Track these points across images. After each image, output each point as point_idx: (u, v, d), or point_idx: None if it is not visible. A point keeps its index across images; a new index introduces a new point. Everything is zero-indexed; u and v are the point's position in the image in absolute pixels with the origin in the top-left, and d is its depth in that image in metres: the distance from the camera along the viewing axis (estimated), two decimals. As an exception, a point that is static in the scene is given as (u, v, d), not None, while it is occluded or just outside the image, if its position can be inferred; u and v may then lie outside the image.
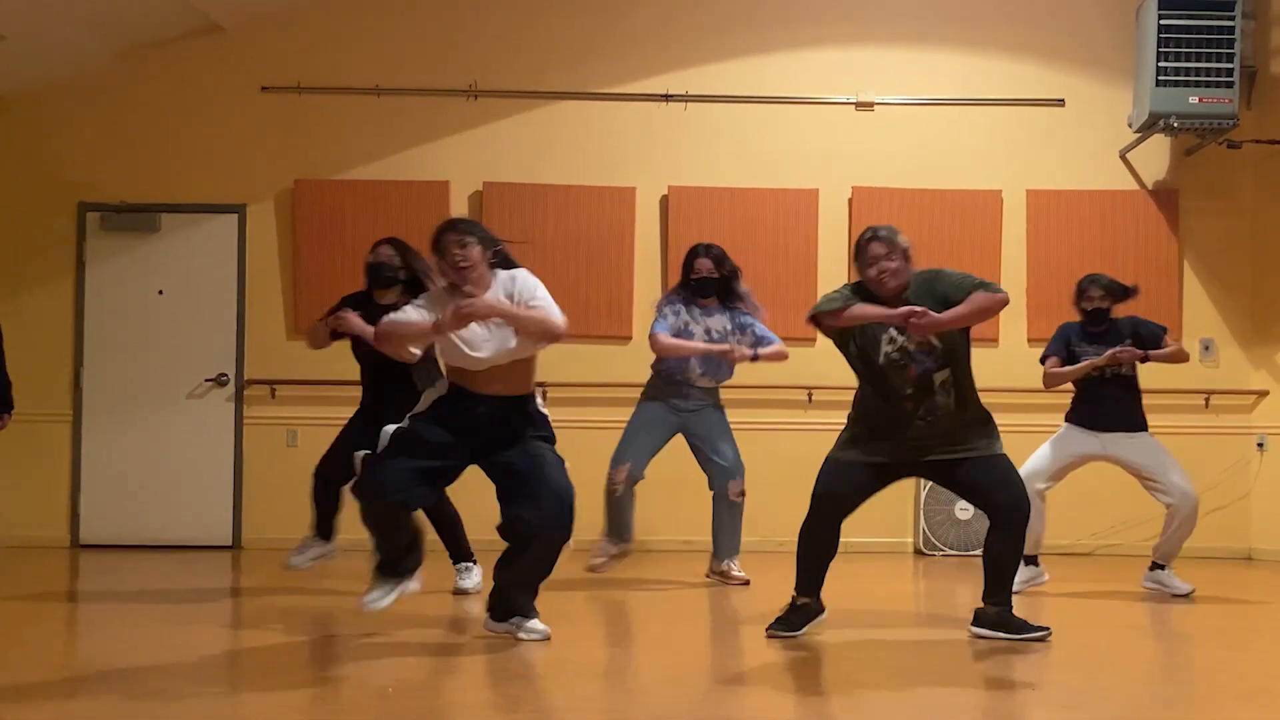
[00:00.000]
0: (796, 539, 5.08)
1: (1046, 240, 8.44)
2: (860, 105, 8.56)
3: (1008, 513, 4.95)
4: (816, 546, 5.02)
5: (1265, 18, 8.32)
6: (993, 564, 5.03)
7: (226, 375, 8.39)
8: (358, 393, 6.05)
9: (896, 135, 8.52)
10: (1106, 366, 6.18)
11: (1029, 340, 8.25)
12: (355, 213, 8.32)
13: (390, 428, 4.71)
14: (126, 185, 8.39)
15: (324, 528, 6.03)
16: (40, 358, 8.05)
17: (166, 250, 8.41)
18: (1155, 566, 6.37)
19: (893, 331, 4.86)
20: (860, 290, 4.93)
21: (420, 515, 5.03)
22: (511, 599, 4.83)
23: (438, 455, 4.67)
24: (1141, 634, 5.62)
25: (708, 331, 6.45)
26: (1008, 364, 7.99)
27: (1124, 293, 6.28)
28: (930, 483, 7.00)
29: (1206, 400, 8.39)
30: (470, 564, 6.13)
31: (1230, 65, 7.76)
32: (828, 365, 6.69)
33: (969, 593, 6.28)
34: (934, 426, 4.89)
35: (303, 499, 6.02)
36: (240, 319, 8.40)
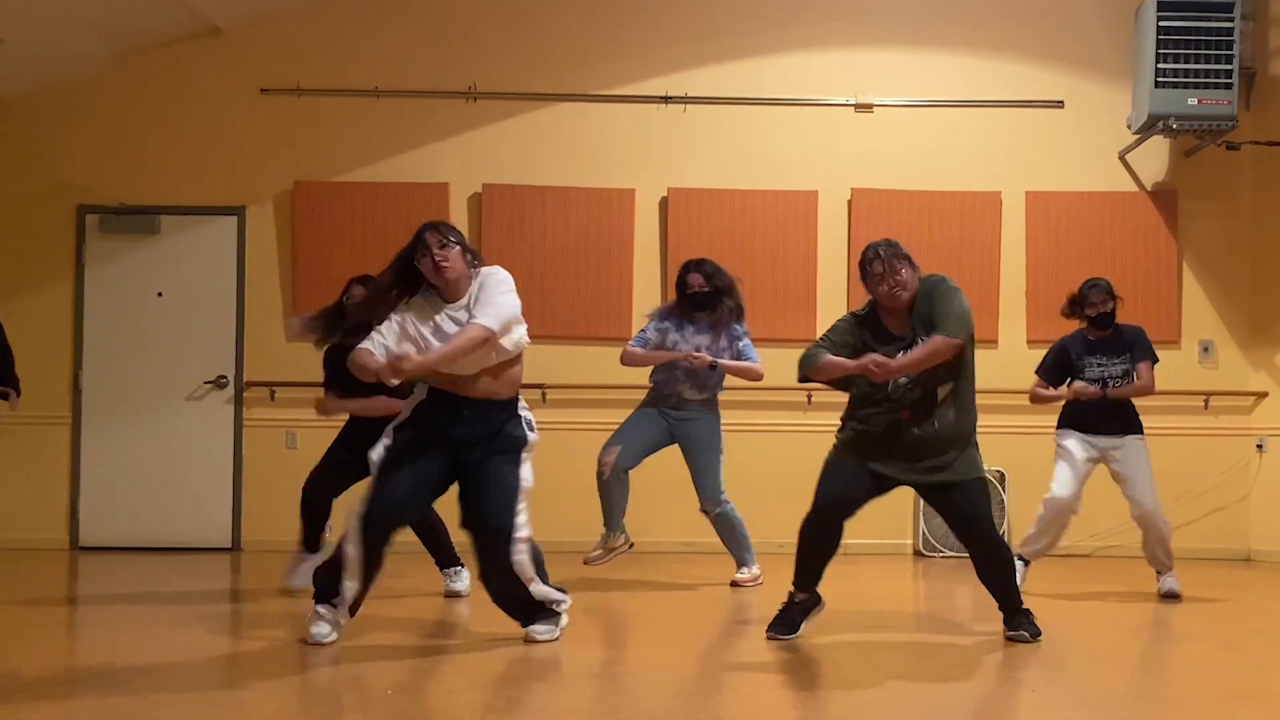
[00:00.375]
0: (797, 538, 5.07)
1: (1046, 241, 8.44)
2: (860, 107, 8.56)
3: (982, 547, 4.98)
4: (818, 546, 5.01)
5: (1264, 19, 8.33)
6: (990, 587, 5.08)
7: (226, 377, 8.39)
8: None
9: (896, 137, 8.53)
10: (1099, 380, 6.23)
11: (1028, 341, 8.26)
12: (354, 214, 8.33)
13: (375, 454, 4.68)
14: (126, 187, 8.39)
15: (312, 541, 6.13)
16: (40, 360, 8.04)
17: (166, 252, 8.41)
18: (1159, 574, 6.40)
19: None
20: (869, 314, 4.99)
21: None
22: (512, 615, 4.89)
23: (430, 463, 4.69)
24: (1141, 634, 5.63)
25: (696, 350, 6.46)
26: (1008, 365, 7.98)
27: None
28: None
29: (1206, 401, 8.39)
30: (459, 568, 6.15)
31: (1229, 67, 7.77)
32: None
33: (968, 594, 6.30)
34: (931, 436, 4.90)
35: (303, 500, 6.05)
36: (240, 321, 8.40)
